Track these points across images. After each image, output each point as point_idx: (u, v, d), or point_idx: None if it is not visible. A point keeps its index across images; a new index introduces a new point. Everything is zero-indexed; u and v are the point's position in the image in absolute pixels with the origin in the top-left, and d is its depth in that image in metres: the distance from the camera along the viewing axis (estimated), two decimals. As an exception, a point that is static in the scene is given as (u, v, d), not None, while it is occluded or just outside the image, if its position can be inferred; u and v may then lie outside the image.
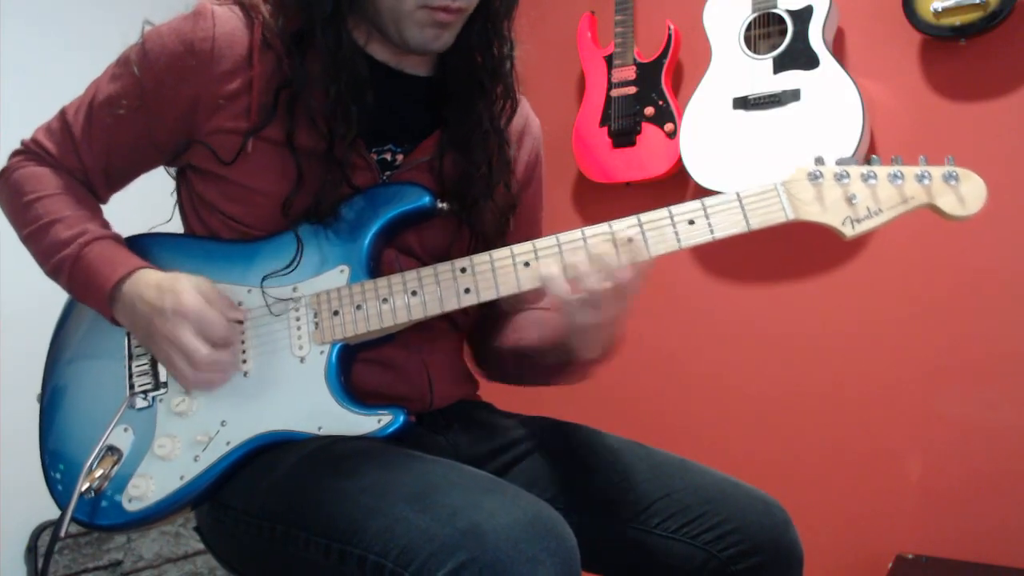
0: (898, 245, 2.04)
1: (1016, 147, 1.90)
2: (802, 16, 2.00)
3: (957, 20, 1.87)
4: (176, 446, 0.99)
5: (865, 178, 0.95)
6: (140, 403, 1.02)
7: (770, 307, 2.20)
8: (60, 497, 1.02)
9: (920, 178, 0.94)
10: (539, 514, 0.79)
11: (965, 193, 0.94)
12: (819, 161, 0.96)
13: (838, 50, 2.09)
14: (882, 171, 0.95)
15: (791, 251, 2.17)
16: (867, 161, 0.96)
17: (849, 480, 2.08)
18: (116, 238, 1.04)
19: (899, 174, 0.95)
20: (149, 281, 0.98)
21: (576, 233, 0.97)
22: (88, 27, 2.32)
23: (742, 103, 2.05)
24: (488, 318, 1.19)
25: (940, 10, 1.87)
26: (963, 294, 1.96)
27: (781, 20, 2.03)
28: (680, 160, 2.14)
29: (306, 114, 0.98)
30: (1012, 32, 1.88)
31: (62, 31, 2.30)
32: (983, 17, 1.83)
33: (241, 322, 1.00)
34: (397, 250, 1.06)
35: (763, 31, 2.06)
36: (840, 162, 0.96)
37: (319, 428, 0.97)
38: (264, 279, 1.00)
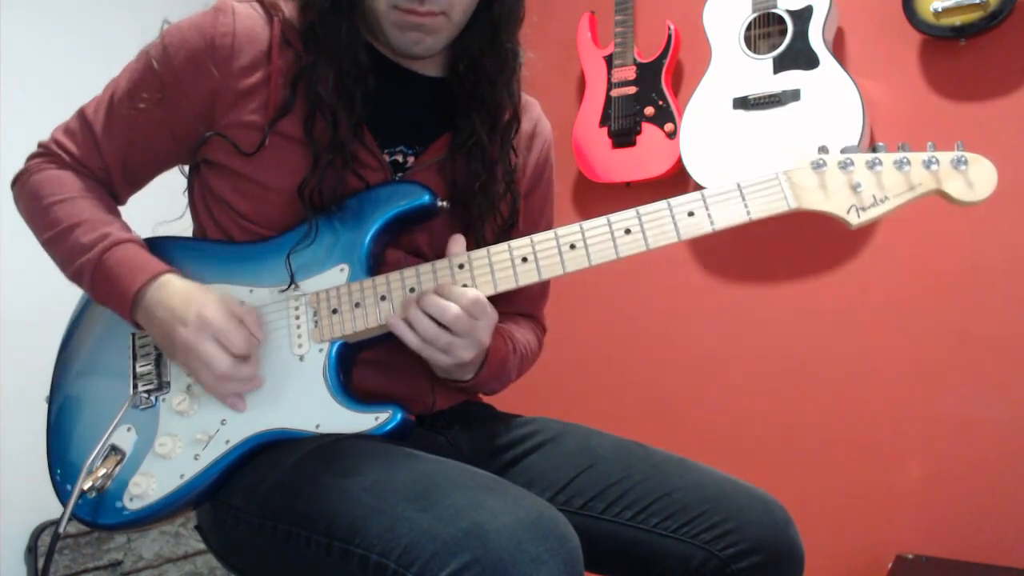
0: (898, 245, 2.04)
1: (1016, 147, 1.90)
2: (802, 16, 2.00)
3: (957, 20, 1.87)
4: (176, 445, 0.99)
5: (871, 165, 0.93)
6: (143, 403, 1.02)
7: (770, 307, 2.20)
8: (64, 496, 1.02)
9: (927, 164, 0.92)
10: (542, 514, 0.79)
11: (974, 178, 0.91)
12: (823, 150, 0.95)
13: (838, 50, 2.09)
14: (888, 158, 0.93)
15: (792, 251, 2.17)
16: (872, 148, 0.94)
17: (849, 480, 2.08)
18: (138, 242, 1.04)
19: (906, 160, 0.92)
20: (175, 289, 0.98)
21: (574, 227, 0.97)
22: (97, 28, 2.32)
23: (742, 103, 2.05)
24: None
25: (940, 10, 1.87)
26: (963, 293, 1.96)
27: (781, 20, 2.03)
28: (680, 160, 2.14)
29: (317, 104, 1.00)
30: (1012, 32, 1.88)
31: (64, 31, 2.30)
32: (983, 17, 1.83)
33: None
34: (406, 252, 1.07)
35: (763, 31, 2.06)
36: (845, 151, 0.95)
37: (317, 426, 0.97)
38: (290, 252, 1.01)
